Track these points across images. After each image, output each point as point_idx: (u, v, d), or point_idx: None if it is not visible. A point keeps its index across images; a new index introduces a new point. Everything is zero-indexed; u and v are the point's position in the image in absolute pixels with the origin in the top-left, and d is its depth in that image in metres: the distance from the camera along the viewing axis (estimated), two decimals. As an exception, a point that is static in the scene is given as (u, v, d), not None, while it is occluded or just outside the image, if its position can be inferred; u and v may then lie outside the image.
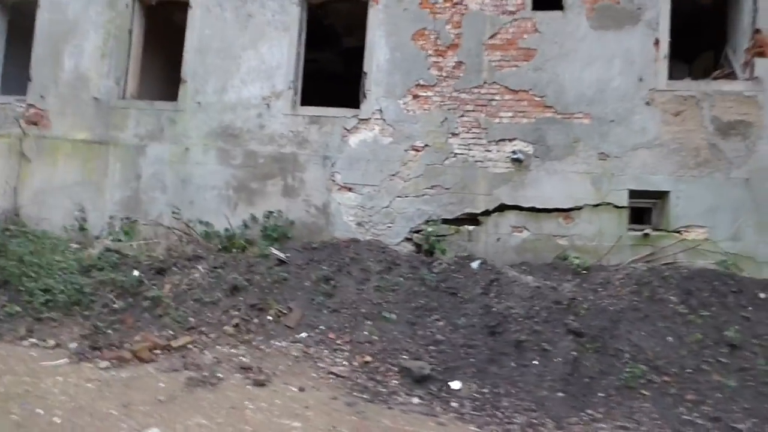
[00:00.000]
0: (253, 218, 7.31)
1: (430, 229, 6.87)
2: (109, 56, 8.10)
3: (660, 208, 6.67)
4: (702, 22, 7.54)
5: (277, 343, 4.83)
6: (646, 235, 6.47)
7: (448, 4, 7.15)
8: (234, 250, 6.90)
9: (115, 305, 5.48)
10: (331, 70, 10.62)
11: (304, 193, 7.33)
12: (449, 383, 4.37)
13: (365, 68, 7.36)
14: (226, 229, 7.30)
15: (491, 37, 6.99)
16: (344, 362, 4.61)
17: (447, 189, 6.99)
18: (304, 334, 4.99)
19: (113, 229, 7.49)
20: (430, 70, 7.13)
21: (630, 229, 6.54)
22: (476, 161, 6.96)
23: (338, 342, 4.88)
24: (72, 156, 8.05)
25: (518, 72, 6.91)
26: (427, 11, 7.21)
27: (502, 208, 6.83)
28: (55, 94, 8.23)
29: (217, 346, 4.83)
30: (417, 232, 7.02)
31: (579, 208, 6.66)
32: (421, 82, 7.13)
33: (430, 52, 7.16)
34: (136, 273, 5.97)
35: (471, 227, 6.88)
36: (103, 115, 8.01)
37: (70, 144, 8.08)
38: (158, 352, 4.75)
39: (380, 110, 7.21)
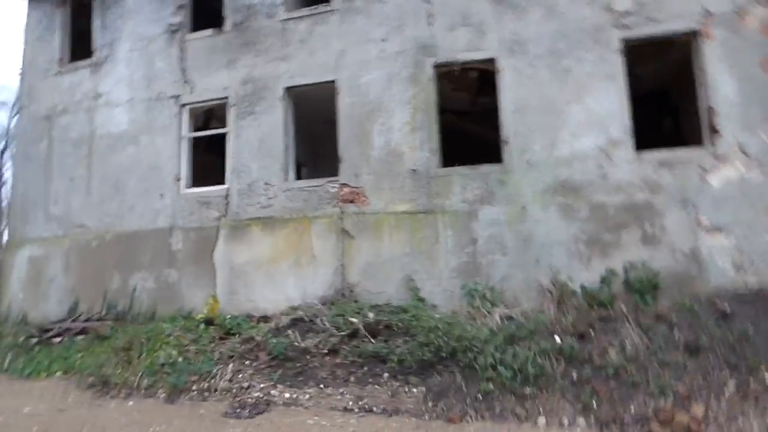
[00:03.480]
0: (611, 271, 7.10)
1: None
2: (420, 129, 8.46)
3: None
4: None
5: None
6: None
7: (802, 26, 6.78)
8: (598, 306, 6.70)
9: (573, 375, 5.37)
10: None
11: (667, 240, 7.02)
12: None
13: (710, 104, 7.08)
14: (582, 286, 7.14)
15: None
16: None
17: None
18: None
19: (467, 295, 7.57)
20: (796, 96, 6.72)
21: None
22: None
23: None
24: (397, 228, 8.37)
25: None
26: (775, 37, 6.88)
27: None
28: (368, 171, 8.68)
29: (755, 416, 4.49)
30: (815, 271, 6.45)
31: None
32: (789, 110, 6.73)
33: (789, 78, 6.76)
34: (557, 339, 5.88)
35: None
36: (422, 186, 8.31)
37: (393, 217, 8.41)
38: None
39: (742, 145, 6.85)
